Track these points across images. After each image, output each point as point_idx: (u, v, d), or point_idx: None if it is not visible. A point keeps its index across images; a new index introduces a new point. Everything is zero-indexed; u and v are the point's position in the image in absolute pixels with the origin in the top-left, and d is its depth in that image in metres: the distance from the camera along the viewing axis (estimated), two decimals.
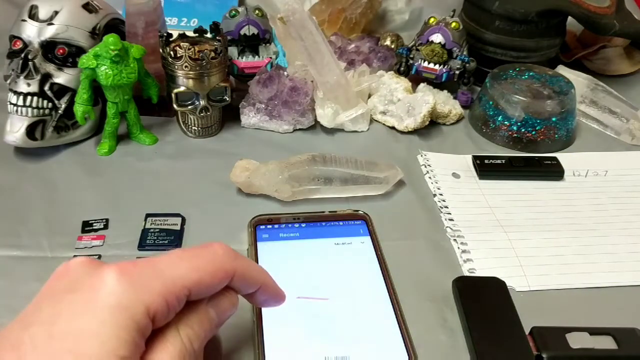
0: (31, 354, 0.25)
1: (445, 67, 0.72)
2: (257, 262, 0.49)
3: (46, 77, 0.60)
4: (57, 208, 0.56)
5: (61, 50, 0.61)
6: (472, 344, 0.43)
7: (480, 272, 0.51)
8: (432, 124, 0.70)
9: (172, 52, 0.61)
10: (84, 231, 0.53)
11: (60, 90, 0.61)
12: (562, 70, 0.77)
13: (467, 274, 0.50)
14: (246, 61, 0.70)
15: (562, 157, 0.65)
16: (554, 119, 0.67)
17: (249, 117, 0.69)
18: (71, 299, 0.27)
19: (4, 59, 0.62)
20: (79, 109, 0.60)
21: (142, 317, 0.27)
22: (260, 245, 0.51)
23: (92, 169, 0.61)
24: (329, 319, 0.44)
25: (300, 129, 0.69)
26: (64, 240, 0.52)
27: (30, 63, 0.59)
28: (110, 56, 0.57)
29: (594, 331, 0.43)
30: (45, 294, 0.29)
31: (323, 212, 0.55)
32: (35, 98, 0.59)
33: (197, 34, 0.65)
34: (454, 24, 0.72)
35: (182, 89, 0.63)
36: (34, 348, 0.26)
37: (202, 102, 0.64)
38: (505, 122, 0.68)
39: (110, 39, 0.57)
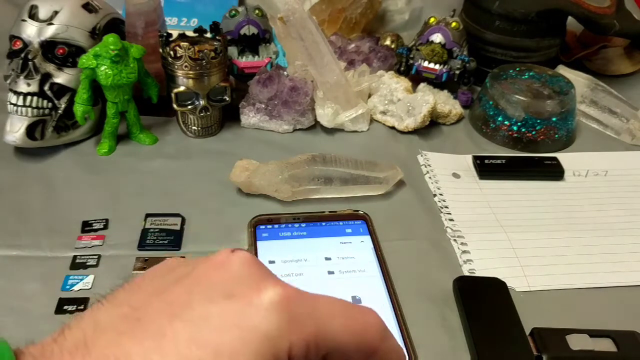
0: (169, 354, 0.25)
1: (446, 67, 0.72)
2: None
3: (46, 77, 0.60)
4: (57, 208, 0.56)
5: (61, 50, 0.61)
6: (472, 345, 0.43)
7: (480, 273, 0.51)
8: (432, 124, 0.70)
9: (172, 52, 0.61)
10: (83, 231, 0.53)
11: (60, 90, 0.61)
12: (562, 70, 0.77)
13: (467, 274, 0.50)
14: (246, 61, 0.70)
15: (562, 157, 0.65)
16: (554, 119, 0.67)
17: (249, 117, 0.68)
18: (224, 307, 0.26)
19: (4, 59, 0.62)
20: (78, 109, 0.60)
21: (283, 353, 0.26)
22: (260, 245, 0.51)
23: (92, 169, 0.61)
24: None
25: (300, 129, 0.69)
26: (63, 240, 0.52)
27: (30, 63, 0.59)
28: (110, 56, 0.57)
29: (594, 333, 0.43)
30: (199, 285, 0.28)
31: (323, 212, 0.55)
32: (35, 98, 0.59)
33: (197, 34, 0.65)
34: (454, 24, 0.72)
35: (182, 89, 0.63)
36: (174, 348, 0.25)
37: (202, 102, 0.64)
38: (506, 122, 0.68)
39: (110, 39, 0.57)
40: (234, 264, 0.28)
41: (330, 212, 0.55)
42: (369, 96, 0.73)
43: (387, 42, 0.82)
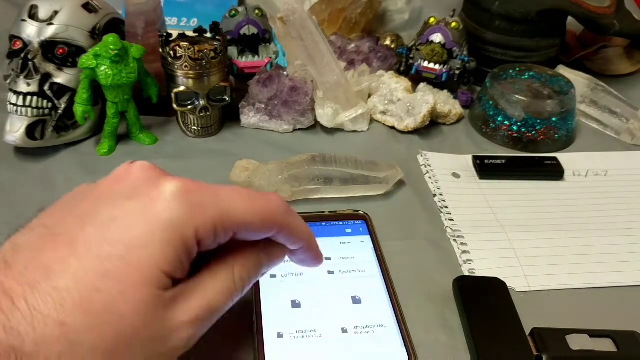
0: (84, 255, 0.26)
1: (446, 67, 0.72)
2: None
3: (46, 77, 0.60)
4: None
5: (61, 50, 0.61)
6: (472, 345, 0.43)
7: (480, 273, 0.51)
8: (432, 124, 0.70)
9: (172, 52, 0.61)
10: None
11: (60, 90, 0.61)
12: (562, 70, 0.77)
13: (467, 274, 0.50)
14: (246, 61, 0.70)
15: (562, 157, 0.65)
16: (554, 119, 0.67)
17: (249, 117, 0.68)
18: (127, 207, 0.28)
19: (4, 59, 0.62)
20: (78, 109, 0.60)
21: (190, 238, 0.28)
22: None
23: (92, 169, 0.61)
24: (329, 319, 0.44)
25: (300, 129, 0.69)
26: None
27: (30, 63, 0.59)
28: (110, 56, 0.57)
29: (594, 333, 0.43)
30: (104, 195, 0.30)
31: (323, 212, 0.55)
32: (35, 98, 0.59)
33: (197, 34, 0.65)
34: (454, 24, 0.72)
35: (182, 88, 0.63)
36: (88, 250, 0.27)
37: (202, 102, 0.64)
38: (506, 122, 0.68)
39: (110, 38, 0.57)
40: (134, 172, 0.30)
41: (330, 212, 0.55)
42: (369, 96, 0.73)
43: (387, 42, 0.82)
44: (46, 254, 0.27)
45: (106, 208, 0.28)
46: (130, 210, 0.28)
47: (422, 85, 0.73)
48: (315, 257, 0.36)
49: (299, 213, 0.54)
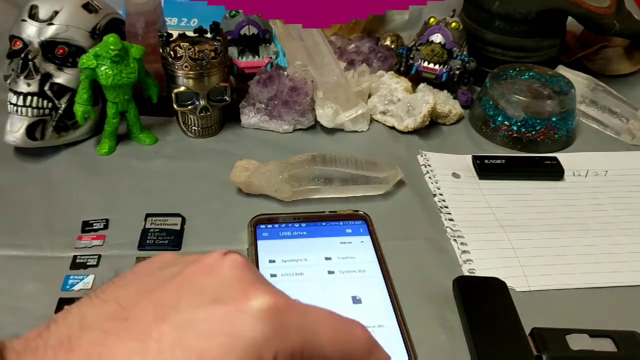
0: (154, 356, 0.25)
1: (445, 67, 0.72)
2: (258, 263, 0.49)
3: (46, 77, 0.60)
4: (57, 208, 0.56)
5: (61, 50, 0.61)
6: (472, 344, 0.43)
7: (480, 273, 0.51)
8: (432, 124, 0.70)
9: (172, 52, 0.61)
10: (84, 231, 0.53)
11: (60, 90, 0.61)
12: (562, 70, 0.77)
13: (467, 274, 0.50)
14: (246, 61, 0.70)
15: (562, 157, 0.65)
16: (554, 119, 0.67)
17: (249, 117, 0.68)
18: (211, 312, 0.26)
19: (4, 59, 0.62)
20: (79, 109, 0.60)
21: None
22: (260, 244, 0.51)
23: (92, 169, 0.61)
24: None
25: (300, 129, 0.69)
26: (63, 240, 0.52)
27: (30, 63, 0.59)
28: (110, 56, 0.57)
29: (594, 333, 0.43)
30: (189, 287, 0.27)
31: (323, 212, 0.55)
32: (35, 98, 0.59)
33: (197, 34, 0.65)
34: (454, 24, 0.72)
35: (182, 89, 0.63)
36: (159, 352, 0.25)
37: (202, 102, 0.64)
38: (505, 122, 0.68)
39: (110, 39, 0.57)
40: (225, 268, 0.28)
41: (330, 212, 0.55)
42: (369, 96, 0.73)
43: (387, 42, 0.82)
44: (113, 343, 0.25)
45: (188, 307, 0.26)
46: (213, 317, 0.26)
47: (422, 86, 0.73)
48: None
49: (299, 213, 0.55)
